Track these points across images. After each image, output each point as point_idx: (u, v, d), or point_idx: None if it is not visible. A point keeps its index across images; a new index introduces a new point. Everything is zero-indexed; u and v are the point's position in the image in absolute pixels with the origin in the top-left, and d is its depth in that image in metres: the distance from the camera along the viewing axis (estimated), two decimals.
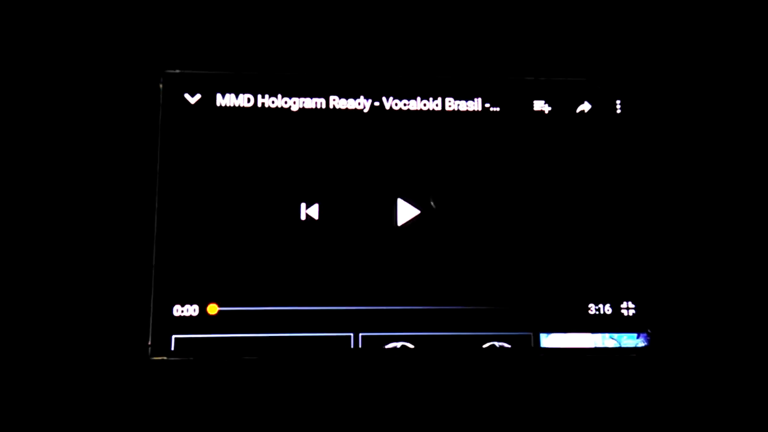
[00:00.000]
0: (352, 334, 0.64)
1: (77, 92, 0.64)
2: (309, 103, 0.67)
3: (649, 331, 0.65)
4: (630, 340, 0.65)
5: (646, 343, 0.65)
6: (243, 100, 0.66)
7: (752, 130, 0.67)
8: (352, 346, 0.63)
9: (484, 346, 0.64)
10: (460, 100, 0.68)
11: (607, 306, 0.66)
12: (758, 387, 0.63)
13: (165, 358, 0.62)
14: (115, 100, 0.65)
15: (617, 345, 0.65)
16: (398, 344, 0.64)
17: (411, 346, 0.64)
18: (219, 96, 0.66)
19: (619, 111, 0.68)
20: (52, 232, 0.62)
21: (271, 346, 0.63)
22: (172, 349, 0.62)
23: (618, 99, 0.69)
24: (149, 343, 0.62)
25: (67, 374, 0.60)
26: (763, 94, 0.68)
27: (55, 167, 0.63)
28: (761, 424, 0.62)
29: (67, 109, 0.64)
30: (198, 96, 0.66)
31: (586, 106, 0.68)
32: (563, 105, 0.68)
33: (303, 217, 0.65)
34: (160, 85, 0.66)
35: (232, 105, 0.66)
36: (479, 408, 0.62)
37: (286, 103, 0.67)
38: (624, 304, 0.66)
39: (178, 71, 0.66)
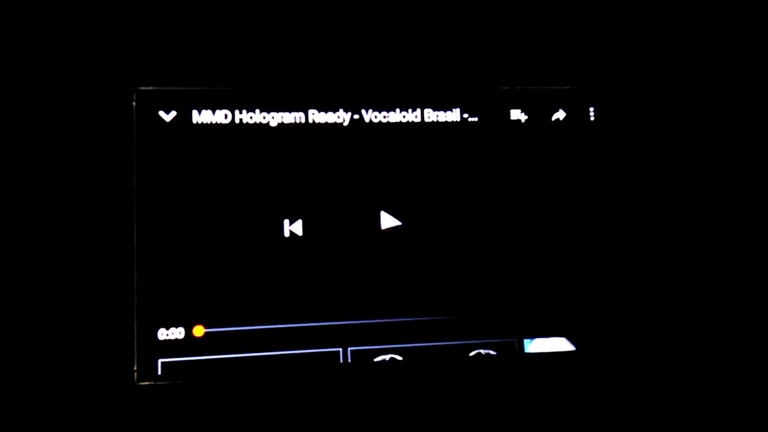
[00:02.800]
0: (340, 349, 0.64)
1: (45, 113, 0.62)
2: (288, 117, 0.66)
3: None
4: None
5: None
6: (220, 117, 0.65)
7: (727, 136, 0.70)
8: (341, 361, 0.64)
9: (471, 354, 0.65)
10: (438, 111, 0.68)
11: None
12: (731, 387, 0.67)
13: (152, 382, 0.61)
14: (87, 120, 0.62)
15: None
16: (387, 357, 0.64)
17: (399, 358, 0.64)
18: (195, 113, 0.65)
19: (593, 118, 0.70)
20: (27, 259, 0.60)
21: (260, 366, 0.63)
22: (159, 373, 0.61)
23: (591, 106, 0.70)
24: (135, 368, 0.61)
25: (51, 405, 0.59)
26: (738, 102, 0.70)
27: (26, 191, 0.60)
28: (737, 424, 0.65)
29: (35, 130, 0.61)
30: (173, 113, 0.65)
31: (561, 114, 0.70)
32: (539, 113, 0.70)
33: (287, 234, 0.65)
34: (133, 103, 0.64)
35: (208, 122, 0.65)
36: (470, 415, 0.63)
37: (264, 118, 0.66)
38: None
39: (151, 88, 0.64)
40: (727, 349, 0.67)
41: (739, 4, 0.71)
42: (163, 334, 0.62)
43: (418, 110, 0.68)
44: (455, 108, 0.68)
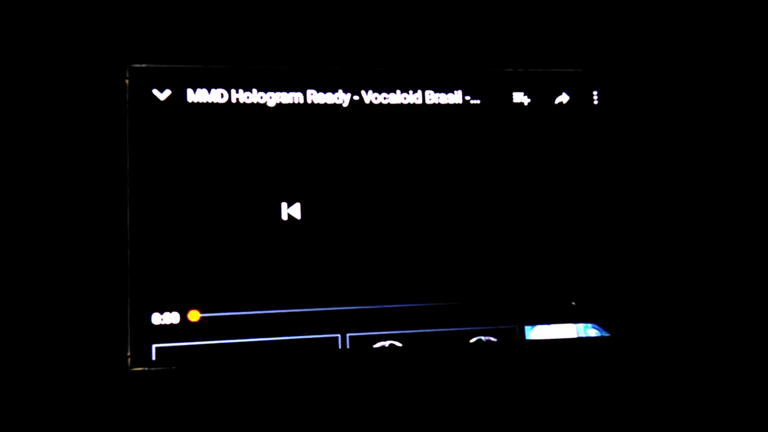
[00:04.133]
0: (339, 335, 0.63)
1: (36, 90, 0.59)
2: (286, 98, 0.64)
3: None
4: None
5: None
6: (216, 96, 0.63)
7: (730, 122, 0.69)
8: (339, 347, 0.63)
9: (471, 340, 0.64)
10: (440, 92, 0.67)
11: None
12: (732, 369, 0.66)
13: (146, 368, 0.60)
14: (78, 98, 0.60)
15: (599, 334, 0.66)
16: (386, 343, 0.63)
17: (399, 344, 0.63)
18: (190, 91, 0.63)
19: (596, 102, 0.69)
20: (17, 241, 0.58)
21: (257, 352, 0.61)
22: (153, 358, 0.60)
23: (595, 90, 0.69)
24: (128, 353, 0.59)
25: (43, 391, 0.57)
26: (742, 87, 0.69)
27: (17, 171, 0.58)
28: (731, 406, 0.65)
29: (26, 109, 0.59)
30: (168, 92, 0.63)
31: (564, 98, 0.69)
32: (542, 96, 0.68)
33: (284, 217, 0.63)
34: (127, 81, 0.62)
35: (204, 101, 0.63)
36: (471, 401, 0.62)
37: (261, 98, 0.64)
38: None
39: (145, 65, 0.62)
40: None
41: None
42: (157, 318, 0.60)
43: (419, 92, 0.66)
44: (457, 90, 0.67)
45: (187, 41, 0.63)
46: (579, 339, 0.66)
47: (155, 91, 0.62)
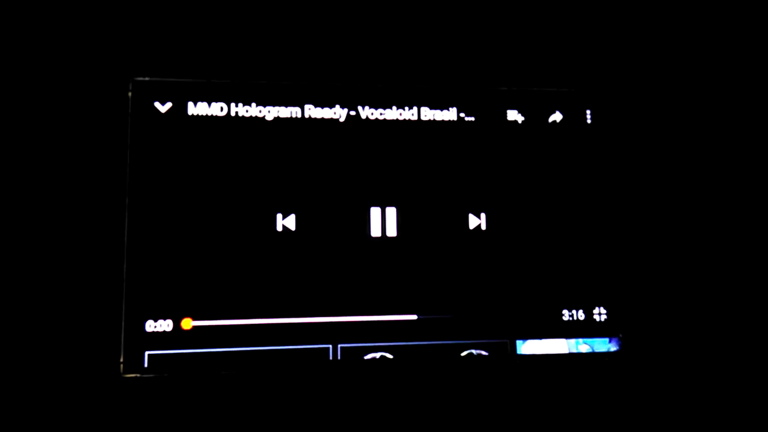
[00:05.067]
0: (330, 346, 0.63)
1: (39, 102, 0.61)
2: (284, 112, 0.66)
3: (620, 335, 0.67)
4: (602, 345, 0.67)
5: (617, 348, 0.67)
6: (216, 109, 0.65)
7: (722, 138, 0.70)
8: (330, 358, 0.63)
9: (463, 354, 0.65)
10: (435, 109, 0.68)
11: (580, 312, 0.67)
12: (730, 388, 0.66)
13: (138, 375, 0.60)
14: (82, 110, 0.62)
15: (591, 350, 0.66)
16: (377, 355, 0.64)
17: (390, 356, 0.64)
18: (191, 104, 0.65)
19: (589, 121, 0.70)
20: (16, 247, 0.59)
21: (248, 361, 0.62)
22: (146, 365, 0.60)
23: (588, 109, 0.70)
24: (121, 360, 0.60)
25: (37, 396, 0.58)
26: (735, 104, 0.70)
27: (19, 180, 0.60)
28: (732, 425, 0.65)
29: (29, 120, 0.61)
30: (169, 104, 0.64)
31: (557, 116, 0.70)
32: (536, 115, 0.69)
33: (279, 228, 0.64)
34: (129, 94, 0.64)
35: (204, 114, 0.65)
36: (461, 415, 0.62)
37: (260, 112, 0.65)
38: (596, 310, 0.67)
39: (147, 79, 0.64)
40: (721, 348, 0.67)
41: (738, 7, 0.71)
42: (150, 326, 0.61)
43: (415, 108, 0.68)
44: (452, 107, 0.68)
45: (190, 56, 0.65)
46: (570, 354, 0.66)
47: (157, 104, 0.64)
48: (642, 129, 0.70)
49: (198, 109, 0.65)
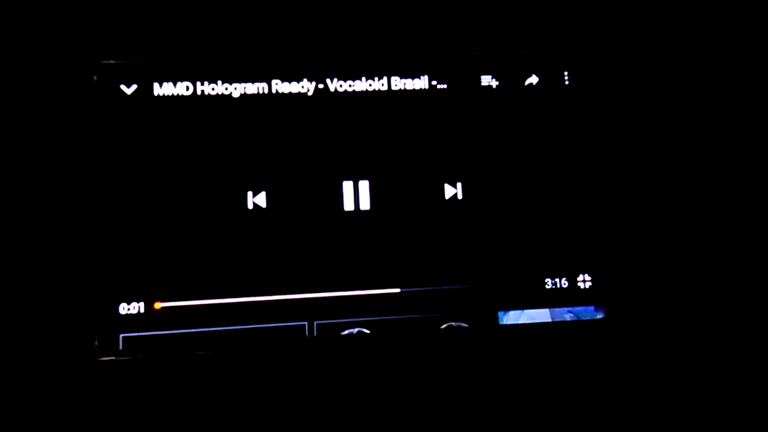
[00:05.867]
0: (306, 323, 0.62)
1: (4, 87, 0.61)
2: (250, 88, 0.65)
3: (605, 304, 0.65)
4: (587, 314, 0.65)
5: (603, 315, 0.65)
6: (181, 89, 0.64)
7: (701, 99, 0.67)
8: (307, 335, 0.62)
9: (442, 327, 0.63)
10: (406, 78, 0.66)
11: (564, 280, 0.65)
12: (712, 357, 0.63)
13: (113, 357, 0.60)
14: (47, 94, 0.62)
15: (575, 318, 0.64)
16: (354, 330, 0.62)
17: (367, 331, 0.63)
18: (156, 85, 0.64)
19: (567, 82, 0.68)
20: None
21: (224, 340, 0.61)
22: (120, 348, 0.60)
23: (566, 70, 0.68)
24: (96, 343, 0.60)
25: (12, 381, 0.58)
26: (710, 64, 0.67)
27: None
28: (715, 394, 0.62)
29: None
30: (134, 86, 0.64)
31: (534, 79, 0.67)
32: (511, 79, 0.67)
33: (250, 206, 0.63)
34: (94, 77, 0.63)
35: (170, 94, 0.64)
36: (442, 388, 0.61)
37: (226, 89, 0.64)
38: (580, 277, 0.65)
39: (112, 62, 0.64)
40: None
41: None
42: (124, 308, 0.61)
43: (385, 78, 0.66)
44: (423, 75, 0.66)
45: (153, 37, 0.64)
46: (553, 323, 0.64)
47: (122, 86, 0.63)
48: (622, 88, 0.67)
49: (164, 89, 0.64)
